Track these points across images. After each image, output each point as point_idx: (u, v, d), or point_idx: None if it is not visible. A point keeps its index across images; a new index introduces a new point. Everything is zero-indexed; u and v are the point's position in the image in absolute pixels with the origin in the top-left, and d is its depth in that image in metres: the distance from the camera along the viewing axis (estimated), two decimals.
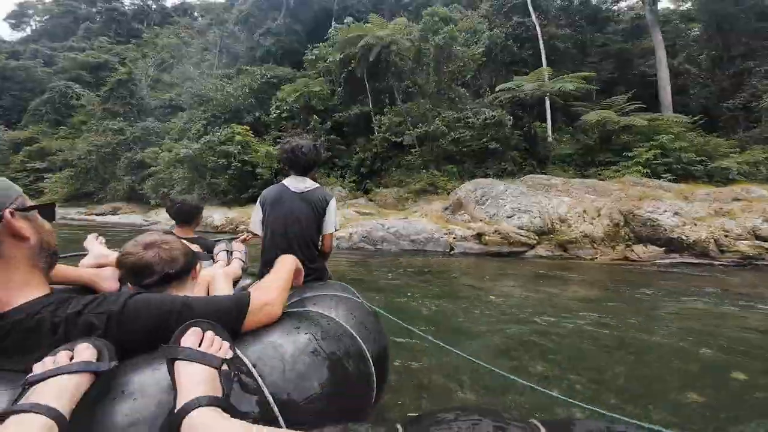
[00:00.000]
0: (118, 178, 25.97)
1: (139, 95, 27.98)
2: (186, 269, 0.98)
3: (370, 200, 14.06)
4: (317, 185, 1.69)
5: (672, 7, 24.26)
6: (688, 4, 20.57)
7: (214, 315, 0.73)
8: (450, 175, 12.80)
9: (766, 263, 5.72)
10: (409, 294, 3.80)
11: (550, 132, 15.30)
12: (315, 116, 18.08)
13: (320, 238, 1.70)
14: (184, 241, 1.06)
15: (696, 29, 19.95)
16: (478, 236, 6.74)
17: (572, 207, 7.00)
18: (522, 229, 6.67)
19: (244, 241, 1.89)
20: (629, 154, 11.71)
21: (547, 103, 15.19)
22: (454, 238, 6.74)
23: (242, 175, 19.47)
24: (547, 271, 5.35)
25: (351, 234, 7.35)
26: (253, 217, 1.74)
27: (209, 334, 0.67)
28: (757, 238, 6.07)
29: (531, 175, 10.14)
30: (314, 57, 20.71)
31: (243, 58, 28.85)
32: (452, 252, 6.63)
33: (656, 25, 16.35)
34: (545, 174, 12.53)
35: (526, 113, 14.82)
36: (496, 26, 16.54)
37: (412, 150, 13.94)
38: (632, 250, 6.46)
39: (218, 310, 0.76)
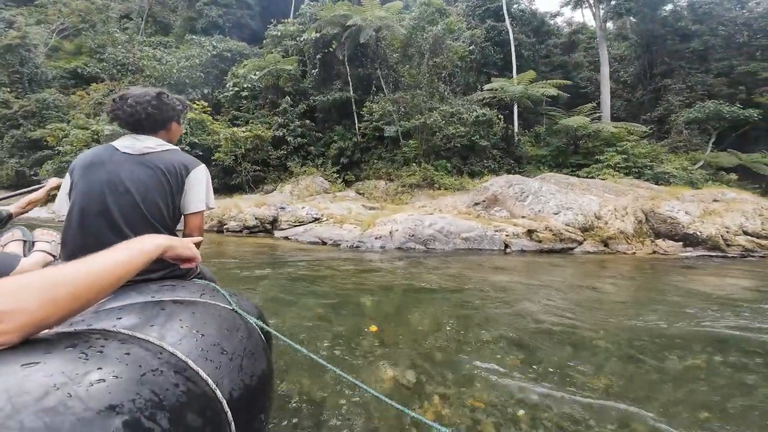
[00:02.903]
0: (0, 160, 20.44)
1: (34, 63, 22.21)
2: None
3: (359, 193, 13.26)
4: (172, 147, 1.27)
5: (609, 25, 27.79)
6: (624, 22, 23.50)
7: None
8: (443, 169, 12.75)
9: (762, 255, 6.79)
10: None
11: (516, 132, 16.31)
12: (287, 98, 16.34)
13: (175, 219, 1.25)
14: None
15: (624, 48, 23.19)
16: (529, 233, 6.70)
17: (603, 205, 7.42)
18: (569, 226, 6.84)
19: None
20: (600, 158, 13.10)
21: (515, 105, 16.14)
22: (507, 235, 6.58)
23: None
24: (637, 265, 5.53)
25: (392, 233, 6.67)
26: (60, 192, 1.24)
27: None
28: (745, 233, 7.19)
29: (550, 173, 10.56)
30: (279, 33, 18.68)
31: (178, 29, 24.85)
32: (508, 250, 6.46)
33: (604, 43, 18.52)
34: (523, 172, 13.32)
35: (502, 114, 15.56)
36: (471, 27, 16.93)
37: (406, 142, 13.48)
38: (656, 245, 7.10)
39: None
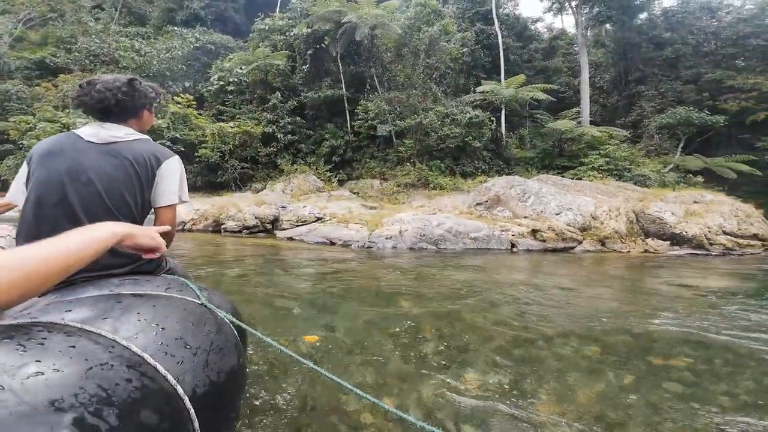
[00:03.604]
0: None
1: None
2: None
3: (353, 192, 13.19)
4: (142, 136, 1.23)
5: (587, 33, 28.89)
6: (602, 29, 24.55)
7: None
8: (437, 169, 12.91)
9: (742, 252, 7.37)
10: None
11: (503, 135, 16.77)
12: (277, 93, 15.98)
13: (143, 213, 1.19)
14: None
15: (601, 55, 24.31)
16: (533, 233, 6.94)
17: (598, 206, 7.79)
18: (570, 226, 7.14)
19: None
20: (584, 160, 13.71)
21: (503, 108, 16.58)
22: (513, 235, 6.78)
23: None
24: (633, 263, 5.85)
25: (401, 233, 6.72)
26: (15, 182, 1.18)
27: None
28: (725, 233, 7.78)
29: (545, 175, 10.91)
30: (266, 27, 18.21)
31: (155, 20, 23.73)
32: (514, 249, 6.67)
33: (584, 49, 19.34)
34: (512, 174, 13.73)
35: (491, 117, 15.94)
36: (461, 30, 17.22)
37: (400, 142, 13.52)
38: (647, 244, 7.55)
39: None
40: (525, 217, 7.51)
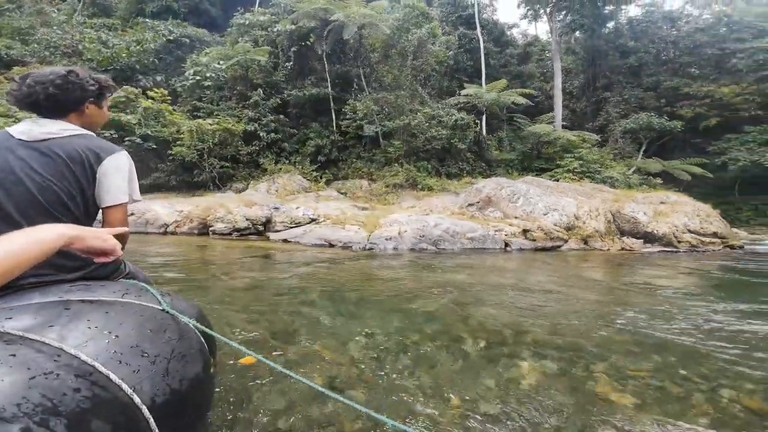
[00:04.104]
0: None
1: None
2: None
3: (341, 192, 13.16)
4: (82, 132, 1.16)
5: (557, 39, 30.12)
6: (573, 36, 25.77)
7: None
8: (424, 170, 13.15)
9: (705, 249, 8.14)
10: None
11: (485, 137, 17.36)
12: (259, 90, 15.59)
13: (88, 212, 1.13)
14: None
15: (571, 62, 25.61)
16: (524, 233, 7.30)
17: (579, 207, 8.31)
18: (557, 226, 7.57)
19: None
20: (561, 163, 14.49)
21: (485, 111, 17.15)
22: (506, 235, 7.10)
23: (141, 154, 15.42)
24: (613, 260, 6.30)
25: (401, 233, 6.85)
26: None
27: None
28: (690, 231, 8.55)
29: (530, 177, 11.37)
30: (246, 22, 17.69)
31: (122, 11, 22.39)
32: (508, 249, 6.99)
33: (558, 56, 20.33)
34: (494, 175, 14.27)
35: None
36: (445, 33, 17.59)
37: (388, 142, 13.62)
38: (623, 242, 8.15)
39: None
40: (515, 218, 7.87)
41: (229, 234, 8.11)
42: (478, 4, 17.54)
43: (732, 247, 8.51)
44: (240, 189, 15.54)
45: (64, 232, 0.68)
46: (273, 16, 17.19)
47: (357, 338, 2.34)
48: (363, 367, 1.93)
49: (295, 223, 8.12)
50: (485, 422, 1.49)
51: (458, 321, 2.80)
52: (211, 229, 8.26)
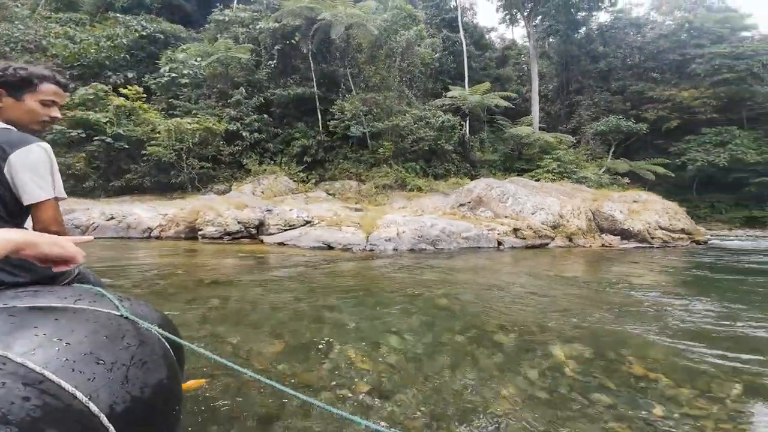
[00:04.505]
0: None
1: None
2: None
3: (329, 193, 13.11)
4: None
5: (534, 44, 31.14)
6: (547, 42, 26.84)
7: None
8: (412, 171, 13.35)
9: (675, 245, 8.82)
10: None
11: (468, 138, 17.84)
12: (242, 89, 15.22)
13: (9, 211, 1.06)
14: None
15: (545, 67, 26.70)
16: (515, 231, 7.63)
17: (563, 206, 8.77)
18: (544, 225, 7.96)
19: None
20: (540, 163, 15.14)
21: (468, 113, 17.63)
22: (498, 234, 7.39)
23: (112, 155, 14.72)
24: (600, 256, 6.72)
25: (399, 234, 6.98)
26: None
27: None
28: (661, 228, 9.23)
29: (516, 177, 11.77)
30: (226, 19, 17.21)
31: (89, 6, 21.20)
32: (501, 247, 7.28)
33: (535, 60, 21.17)
34: (478, 176, 14.72)
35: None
36: (429, 35, 17.88)
37: (376, 143, 13.69)
38: (603, 239, 8.68)
39: None
40: (506, 217, 8.21)
41: (220, 238, 7.91)
42: (460, 7, 17.95)
43: (698, 242, 9.28)
44: (222, 191, 15.12)
45: (11, 238, 0.64)
46: (255, 14, 16.81)
47: (388, 341, 2.42)
48: (403, 371, 1.98)
49: (290, 226, 8.05)
50: (542, 406, 1.63)
51: (481, 317, 2.96)
52: (200, 233, 8.02)
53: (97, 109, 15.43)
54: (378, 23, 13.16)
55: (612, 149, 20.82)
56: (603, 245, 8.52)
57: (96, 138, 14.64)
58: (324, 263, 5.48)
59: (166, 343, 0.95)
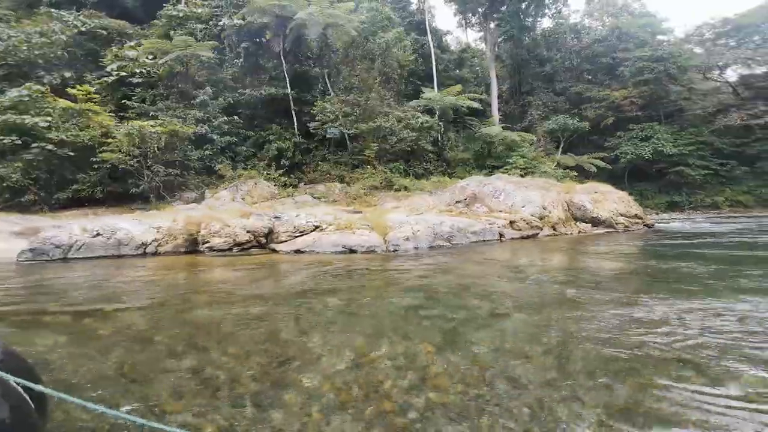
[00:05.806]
0: None
1: None
2: None
3: (315, 197, 13.01)
4: None
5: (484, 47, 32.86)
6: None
7: None
8: (397, 171, 13.73)
9: (633, 229, 10.32)
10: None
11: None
12: (208, 89, 14.37)
13: None
14: None
15: (499, 69, 28.62)
16: (511, 224, 8.41)
17: (544, 199, 9.81)
18: (533, 216, 8.87)
19: None
20: (509, 161, 16.46)
21: (438, 114, 18.47)
22: (499, 227, 8.11)
23: (54, 164, 13.27)
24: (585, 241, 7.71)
25: (415, 233, 7.34)
26: None
27: None
28: (621, 215, 10.74)
29: (502, 174, 12.65)
30: (180, 14, 16.05)
31: (10, 1, 18.37)
32: (503, 239, 8.00)
33: (493, 63, 22.72)
34: (454, 173, 15.64)
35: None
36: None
37: (357, 144, 13.82)
38: (579, 227, 9.90)
39: None
40: (500, 211, 9.00)
41: (229, 249, 7.60)
42: (429, 11, 18.64)
43: (648, 225, 10.96)
44: (192, 199, 14.22)
45: None
46: (215, 9, 15.89)
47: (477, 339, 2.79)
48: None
49: (300, 232, 7.99)
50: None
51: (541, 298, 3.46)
52: (206, 245, 7.62)
53: (32, 112, 13.56)
54: (356, 24, 13.25)
55: (561, 145, 23.14)
56: (580, 232, 9.73)
57: (34, 145, 12.91)
58: (375, 268, 5.49)
59: (19, 387, 0.86)
